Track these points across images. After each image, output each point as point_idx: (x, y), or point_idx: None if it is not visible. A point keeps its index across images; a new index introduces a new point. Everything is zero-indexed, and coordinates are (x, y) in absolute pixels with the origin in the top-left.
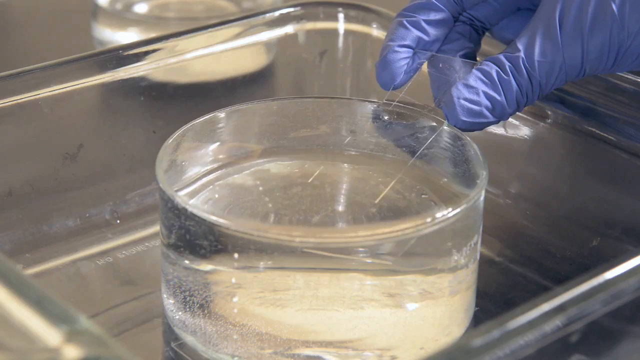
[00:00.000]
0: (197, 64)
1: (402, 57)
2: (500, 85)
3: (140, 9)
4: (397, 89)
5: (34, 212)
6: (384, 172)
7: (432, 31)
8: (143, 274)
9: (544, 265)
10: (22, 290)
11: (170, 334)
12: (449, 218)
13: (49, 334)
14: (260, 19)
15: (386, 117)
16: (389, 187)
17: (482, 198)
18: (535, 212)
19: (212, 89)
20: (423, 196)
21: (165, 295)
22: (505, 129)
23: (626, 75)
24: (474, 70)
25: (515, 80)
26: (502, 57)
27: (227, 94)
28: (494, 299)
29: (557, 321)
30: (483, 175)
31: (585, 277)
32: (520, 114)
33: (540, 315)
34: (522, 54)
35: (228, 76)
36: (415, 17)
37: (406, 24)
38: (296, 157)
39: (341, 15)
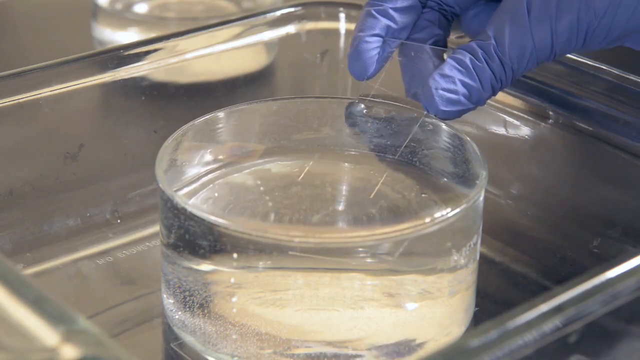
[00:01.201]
0: (198, 64)
1: (373, 47)
2: (475, 72)
3: (140, 9)
4: (371, 79)
5: (35, 212)
6: (384, 172)
7: (400, 19)
8: (143, 274)
9: (544, 266)
10: (20, 289)
11: (170, 334)
12: (448, 218)
13: (46, 333)
14: (261, 18)
15: (363, 112)
16: (379, 183)
17: (481, 198)
18: (535, 212)
19: (212, 89)
20: (423, 196)
21: (165, 295)
22: (506, 129)
23: (627, 76)
24: (448, 60)
25: (489, 66)
26: (474, 44)
27: (228, 94)
28: (494, 299)
29: (556, 321)
30: (483, 175)
31: (584, 277)
32: (520, 114)
33: (539, 316)
34: (492, 41)
35: (228, 76)
36: (382, 5)
37: (374, 13)
38: (296, 157)
39: (342, 15)
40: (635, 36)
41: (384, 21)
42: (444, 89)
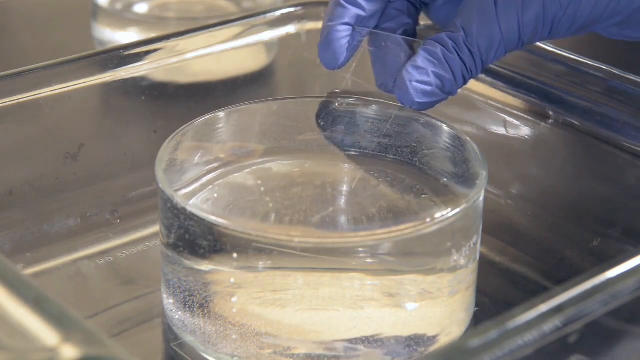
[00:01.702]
0: (198, 64)
1: (342, 36)
2: (447, 63)
3: (140, 9)
4: (341, 68)
5: (35, 212)
6: (384, 173)
7: (369, 7)
8: (143, 274)
9: (544, 266)
10: (20, 290)
11: (170, 334)
12: (448, 218)
13: (46, 333)
14: (261, 18)
15: (335, 110)
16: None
17: (481, 198)
18: (535, 212)
19: (212, 89)
20: (423, 196)
21: (165, 295)
22: (506, 129)
23: (627, 76)
24: (420, 51)
25: (459, 57)
26: (444, 36)
27: (228, 94)
28: (494, 299)
29: (556, 321)
30: (483, 175)
31: (584, 277)
32: (520, 114)
33: (539, 316)
34: (462, 33)
35: (228, 76)
36: None
37: (343, 2)
38: (296, 157)
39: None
40: (601, 25)
41: (353, 10)
42: (418, 81)
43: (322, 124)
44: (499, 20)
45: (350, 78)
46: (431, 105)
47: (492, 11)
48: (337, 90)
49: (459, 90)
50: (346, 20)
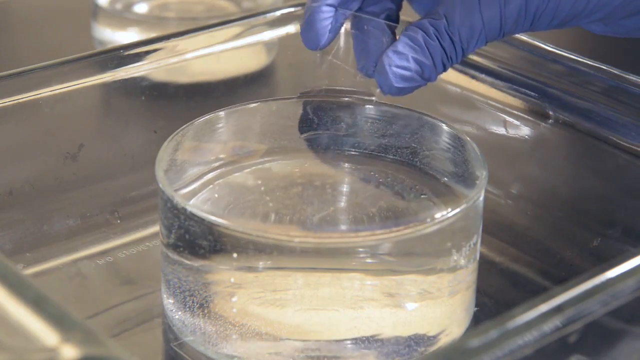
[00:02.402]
0: (198, 64)
1: (325, 17)
2: (428, 50)
3: (140, 9)
4: (323, 49)
5: (35, 212)
6: (384, 173)
7: None
8: (143, 274)
9: (544, 266)
10: (20, 290)
11: (170, 334)
12: (448, 218)
13: (46, 333)
14: (260, 18)
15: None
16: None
17: (481, 198)
18: (535, 212)
19: (212, 89)
20: (422, 196)
21: (165, 295)
22: (506, 129)
23: (627, 76)
24: (401, 37)
25: (440, 44)
26: (426, 22)
27: (228, 94)
28: (494, 299)
29: (556, 321)
30: (483, 175)
31: (584, 277)
32: (520, 114)
33: (539, 316)
34: (444, 20)
35: (228, 76)
36: None
37: None
38: (296, 157)
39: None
40: (583, 20)
41: None
42: (398, 66)
43: (303, 127)
44: (481, 10)
45: (330, 60)
46: (410, 90)
47: (475, 1)
48: (308, 90)
49: (459, 90)
50: (329, 1)
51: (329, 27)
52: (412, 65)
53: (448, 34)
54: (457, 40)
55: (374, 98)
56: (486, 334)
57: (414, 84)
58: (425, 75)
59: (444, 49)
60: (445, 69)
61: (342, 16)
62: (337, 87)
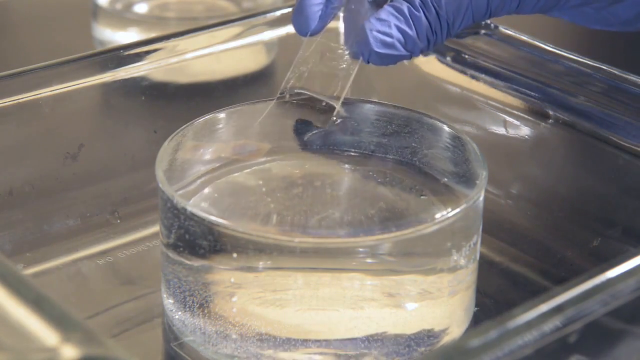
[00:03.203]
0: (198, 64)
1: (316, 3)
2: (412, 20)
3: (140, 9)
4: (313, 36)
5: (35, 212)
6: (384, 173)
7: None
8: (143, 274)
9: (544, 266)
10: (20, 290)
11: (170, 334)
12: (448, 218)
13: (46, 333)
14: (260, 18)
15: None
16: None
17: (481, 198)
18: (535, 212)
19: (212, 89)
20: (422, 196)
21: (165, 295)
22: (506, 129)
23: (627, 76)
24: (385, 6)
25: (425, 16)
26: None
27: (228, 94)
28: (494, 299)
29: (556, 321)
30: (483, 175)
31: (584, 277)
32: (520, 114)
33: (539, 316)
34: None
35: (228, 76)
36: None
37: None
38: (296, 157)
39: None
40: (567, 5)
41: None
42: (379, 31)
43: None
44: None
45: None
46: (392, 60)
47: None
48: (283, 94)
49: (459, 90)
50: None
51: (319, 12)
52: (394, 32)
53: (434, 6)
54: (443, 15)
55: (335, 110)
56: (486, 334)
57: (395, 52)
58: (408, 47)
59: (429, 21)
60: (429, 46)
61: (333, 3)
62: (307, 92)
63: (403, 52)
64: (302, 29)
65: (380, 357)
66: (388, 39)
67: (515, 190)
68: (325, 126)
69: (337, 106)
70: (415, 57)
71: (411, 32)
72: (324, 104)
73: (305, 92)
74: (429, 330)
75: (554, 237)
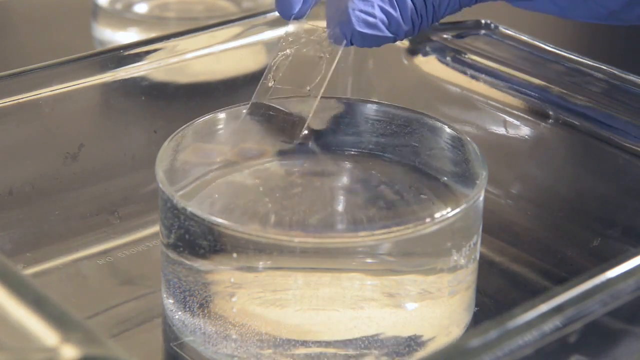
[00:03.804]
0: (198, 64)
1: None
2: (396, 1)
3: (140, 9)
4: (298, 19)
5: (35, 212)
6: (384, 173)
7: None
8: (143, 274)
9: (544, 266)
10: (20, 290)
11: (170, 334)
12: (448, 218)
13: (46, 333)
14: (261, 18)
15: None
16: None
17: (481, 198)
18: (535, 212)
19: (212, 89)
20: (422, 196)
21: (165, 295)
22: (506, 129)
23: (627, 76)
24: None
25: None
26: None
27: (228, 93)
28: (494, 299)
29: (556, 321)
30: (483, 175)
31: (584, 277)
32: (521, 114)
33: (539, 315)
34: None
35: (228, 76)
36: None
37: None
38: (296, 157)
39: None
40: None
41: None
42: (362, 11)
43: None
44: None
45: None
46: (375, 41)
47: None
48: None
49: (459, 90)
50: None
51: None
52: (377, 12)
53: None
54: None
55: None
56: (486, 334)
57: (378, 33)
58: (392, 28)
59: (414, 4)
60: (414, 29)
61: None
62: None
63: (386, 33)
64: (285, 12)
65: (381, 357)
66: (371, 19)
67: (515, 190)
68: (294, 141)
69: (312, 109)
70: (400, 41)
71: (395, 14)
72: (293, 115)
73: (280, 93)
74: (429, 330)
75: (554, 237)
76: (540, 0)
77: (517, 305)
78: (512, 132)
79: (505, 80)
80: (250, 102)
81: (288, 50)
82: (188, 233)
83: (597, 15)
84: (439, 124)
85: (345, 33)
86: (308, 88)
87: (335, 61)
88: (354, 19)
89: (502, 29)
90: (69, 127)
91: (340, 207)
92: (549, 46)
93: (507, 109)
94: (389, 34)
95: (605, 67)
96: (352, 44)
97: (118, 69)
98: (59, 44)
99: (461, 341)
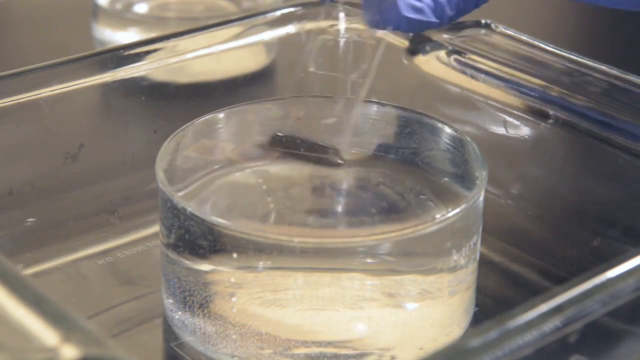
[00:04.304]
0: (198, 64)
1: None
2: None
3: (140, 9)
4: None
5: (35, 212)
6: (384, 173)
7: None
8: (143, 274)
9: (544, 266)
10: (19, 290)
11: (170, 334)
12: (448, 218)
13: (46, 333)
14: (261, 18)
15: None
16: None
17: (481, 198)
18: (535, 212)
19: (212, 89)
20: (422, 196)
21: (165, 295)
22: (506, 129)
23: (627, 76)
24: None
25: None
26: None
27: (228, 94)
28: (494, 299)
29: (556, 321)
30: (483, 175)
31: (584, 277)
32: (521, 114)
33: (539, 315)
34: None
35: (228, 76)
36: None
37: None
38: (296, 157)
39: (342, 15)
40: None
41: None
42: None
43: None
44: None
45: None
46: (420, 27)
47: None
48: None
49: (459, 90)
50: None
51: None
52: None
53: None
54: None
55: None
56: (486, 334)
57: (423, 18)
58: (437, 13)
59: None
60: (457, 14)
61: None
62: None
63: (432, 18)
64: None
65: (381, 357)
66: (417, 4)
67: (515, 190)
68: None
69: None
70: (442, 26)
71: None
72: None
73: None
74: (429, 330)
75: (554, 237)
76: None
77: (517, 305)
78: (512, 132)
79: (505, 80)
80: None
81: (327, 36)
82: (188, 233)
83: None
84: (439, 124)
85: (391, 18)
86: (354, 75)
87: (383, 49)
88: (401, 4)
89: (502, 29)
90: (69, 127)
91: (340, 207)
92: (549, 46)
93: (507, 109)
94: (435, 19)
95: (605, 67)
96: (397, 29)
97: (118, 69)
98: (59, 44)
99: (461, 341)
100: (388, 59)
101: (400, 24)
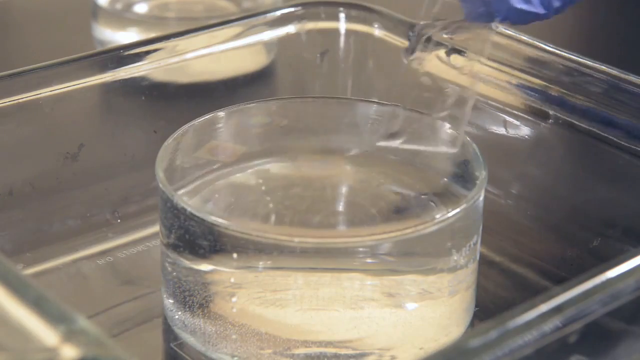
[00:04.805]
0: (198, 64)
1: None
2: None
3: (140, 9)
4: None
5: (35, 212)
6: (384, 173)
7: None
8: (143, 274)
9: (544, 266)
10: (19, 289)
11: (170, 334)
12: (448, 218)
13: (46, 333)
14: (260, 18)
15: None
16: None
17: (481, 198)
18: (535, 212)
19: (212, 89)
20: (422, 196)
21: (165, 295)
22: (506, 129)
23: (627, 76)
24: None
25: None
26: None
27: (228, 94)
28: (494, 299)
29: (556, 321)
30: (483, 175)
31: (584, 277)
32: (520, 114)
33: (539, 315)
34: None
35: (228, 76)
36: None
37: None
38: (296, 157)
39: (342, 15)
40: None
41: None
42: None
43: None
44: None
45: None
46: (528, 18)
47: None
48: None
49: (458, 89)
50: None
51: None
52: None
53: None
54: None
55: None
56: (486, 334)
57: (533, 9)
58: (545, 3)
59: None
60: (563, 5)
61: None
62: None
63: (540, 10)
64: None
65: (381, 357)
66: None
67: (515, 190)
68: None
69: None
70: (548, 19)
71: None
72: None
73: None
74: (429, 330)
75: (554, 237)
76: None
77: (517, 305)
78: (512, 132)
79: (505, 80)
80: None
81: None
82: (188, 233)
83: None
84: (439, 124)
85: (499, 10)
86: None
87: (490, 41)
88: None
89: (502, 29)
90: (69, 127)
91: (340, 207)
92: (549, 46)
93: (507, 109)
94: (543, 10)
95: (605, 67)
96: (504, 21)
97: (118, 69)
98: (59, 44)
99: (461, 341)
100: (388, 59)
101: (510, 15)
